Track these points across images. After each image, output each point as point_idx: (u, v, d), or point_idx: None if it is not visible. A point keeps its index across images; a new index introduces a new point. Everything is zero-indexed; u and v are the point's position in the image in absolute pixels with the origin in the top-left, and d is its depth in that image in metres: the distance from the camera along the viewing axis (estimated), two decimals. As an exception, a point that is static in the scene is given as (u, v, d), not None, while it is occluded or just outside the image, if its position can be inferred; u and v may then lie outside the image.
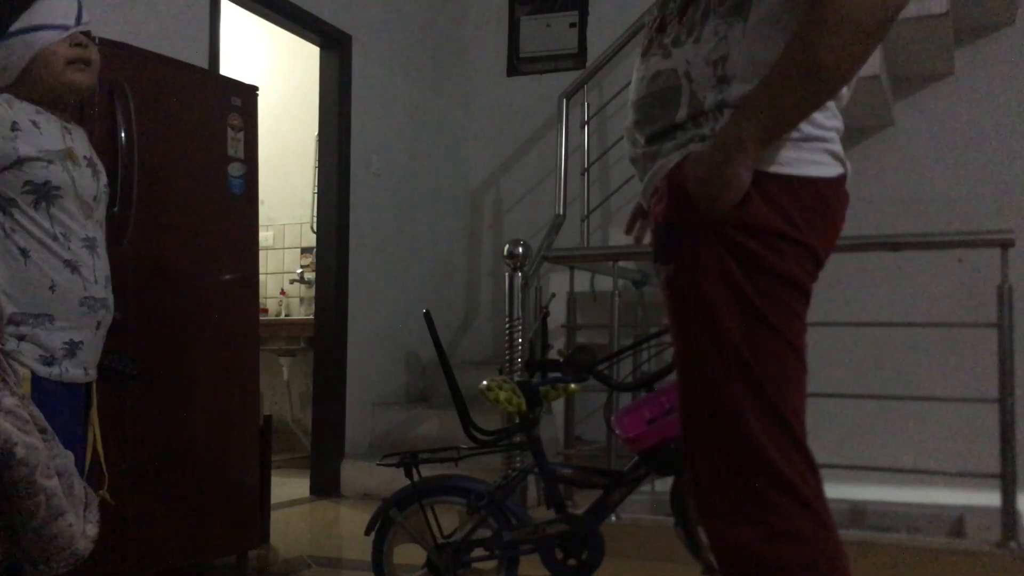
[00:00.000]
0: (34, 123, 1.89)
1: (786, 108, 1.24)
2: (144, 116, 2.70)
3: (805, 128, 1.29)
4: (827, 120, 1.32)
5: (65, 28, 1.91)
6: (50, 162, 1.89)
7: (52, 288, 1.86)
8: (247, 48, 5.86)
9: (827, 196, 1.32)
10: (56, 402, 1.88)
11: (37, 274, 1.85)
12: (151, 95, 2.77)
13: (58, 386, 1.89)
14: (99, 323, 1.97)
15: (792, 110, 1.24)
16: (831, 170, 1.32)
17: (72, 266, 1.90)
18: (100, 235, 2.01)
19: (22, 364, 1.82)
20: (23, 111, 1.89)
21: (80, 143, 2.00)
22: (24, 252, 1.85)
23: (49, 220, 1.89)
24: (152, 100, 2.78)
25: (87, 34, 1.97)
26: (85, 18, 1.96)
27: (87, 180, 1.98)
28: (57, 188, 1.90)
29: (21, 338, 1.83)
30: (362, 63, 4.85)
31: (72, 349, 1.90)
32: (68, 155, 1.94)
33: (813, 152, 1.30)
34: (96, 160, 2.06)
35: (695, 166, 1.28)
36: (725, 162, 1.24)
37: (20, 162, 1.85)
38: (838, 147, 1.33)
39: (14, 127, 1.86)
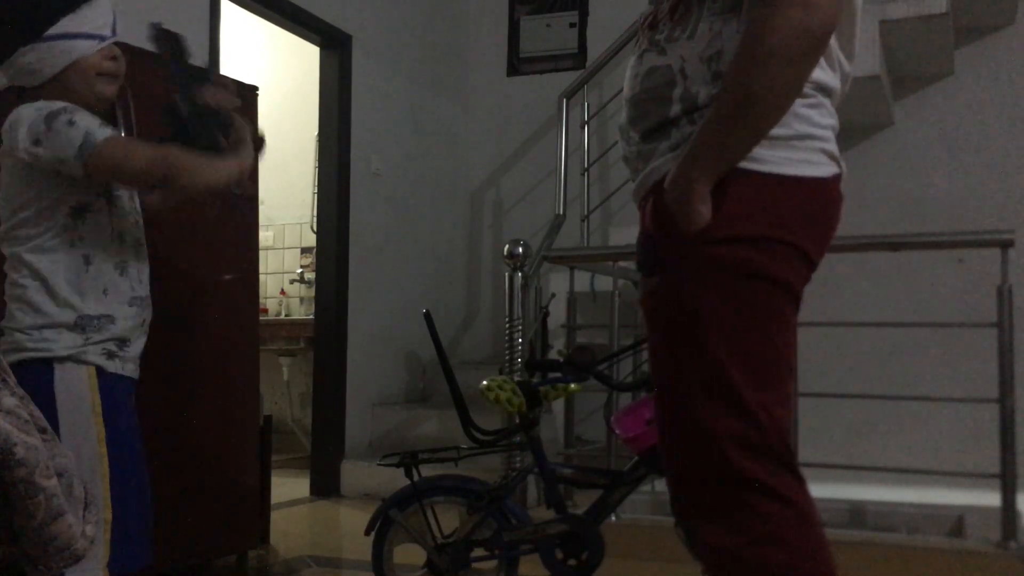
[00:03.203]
0: None
1: (728, 144, 1.24)
2: (144, 116, 2.70)
3: (798, 127, 1.28)
4: (822, 118, 1.31)
5: (102, 39, 1.92)
6: None
7: (105, 291, 1.89)
8: (247, 48, 5.86)
9: (820, 196, 1.31)
10: (123, 396, 1.92)
11: (94, 280, 1.88)
12: (151, 95, 2.77)
13: (122, 380, 1.92)
14: (144, 321, 1.99)
15: (734, 145, 1.25)
16: (825, 169, 1.31)
17: (122, 268, 1.93)
18: (143, 236, 2.04)
19: (86, 362, 1.85)
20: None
21: None
22: (87, 259, 1.87)
23: (111, 222, 1.91)
24: (152, 100, 2.77)
25: (118, 44, 1.98)
26: (119, 29, 1.97)
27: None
28: (117, 189, 1.93)
29: (86, 339, 1.86)
30: (362, 63, 4.86)
31: (122, 345, 1.93)
32: (103, 125, 1.95)
33: (806, 151, 1.29)
34: None
35: (666, 194, 1.29)
36: (682, 201, 1.25)
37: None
38: (833, 146, 1.32)
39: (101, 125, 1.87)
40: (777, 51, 1.18)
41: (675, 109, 1.33)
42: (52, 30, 1.86)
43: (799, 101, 1.27)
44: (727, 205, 1.25)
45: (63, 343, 1.84)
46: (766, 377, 1.27)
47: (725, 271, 1.26)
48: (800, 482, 1.27)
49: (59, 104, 1.84)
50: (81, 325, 1.85)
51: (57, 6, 1.87)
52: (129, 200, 1.97)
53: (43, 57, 1.86)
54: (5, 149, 1.88)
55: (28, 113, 1.83)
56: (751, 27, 1.21)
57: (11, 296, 1.88)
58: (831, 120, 1.33)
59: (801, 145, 1.28)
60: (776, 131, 1.25)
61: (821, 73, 1.29)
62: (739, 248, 1.25)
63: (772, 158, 1.27)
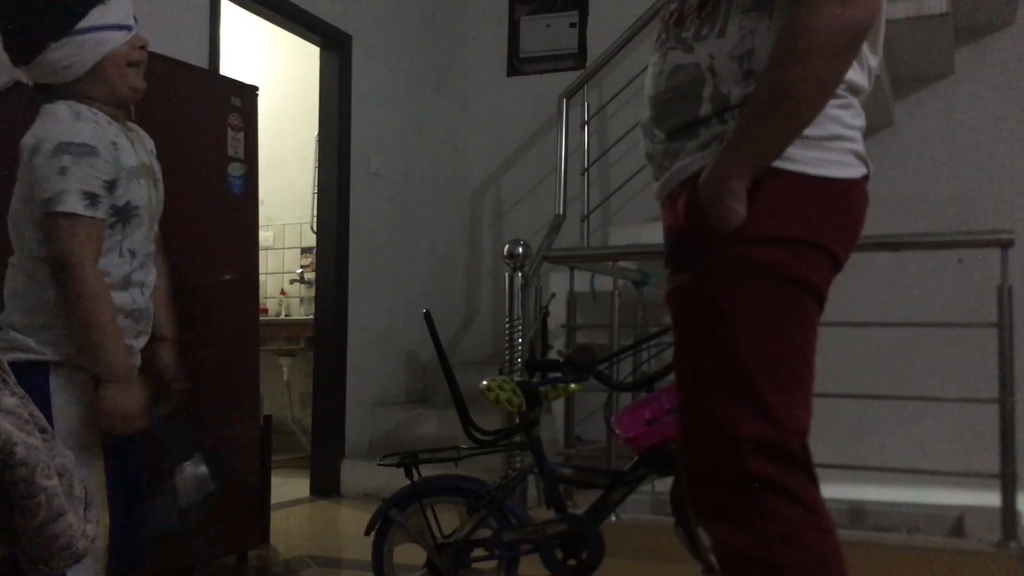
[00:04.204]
0: (113, 142, 1.84)
1: (766, 140, 1.24)
2: (144, 116, 2.70)
3: (830, 127, 1.28)
4: (852, 119, 1.31)
5: (129, 29, 1.88)
6: (130, 180, 1.86)
7: None
8: (247, 48, 5.86)
9: (849, 197, 1.31)
10: None
11: None
12: (151, 95, 2.76)
13: None
14: (139, 332, 1.97)
15: (772, 141, 1.25)
16: (855, 171, 1.31)
17: (126, 283, 1.89)
18: (154, 247, 2.00)
19: (80, 368, 1.82)
20: (101, 123, 1.83)
21: (142, 149, 1.96)
22: None
23: (121, 240, 1.87)
24: (152, 100, 2.77)
25: None
26: (138, 20, 1.94)
27: (157, 195, 1.97)
28: (136, 208, 1.87)
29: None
30: (362, 63, 4.86)
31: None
32: (144, 171, 1.91)
33: (837, 152, 1.29)
34: (156, 168, 2.02)
35: (700, 192, 1.28)
36: (717, 198, 1.25)
37: (111, 184, 1.82)
38: (861, 147, 1.33)
39: (115, 146, 1.82)
40: (816, 46, 1.18)
41: (705, 108, 1.32)
42: (82, 23, 1.80)
43: (831, 101, 1.27)
44: (761, 204, 1.25)
45: (58, 348, 1.81)
46: (790, 379, 1.27)
47: (756, 272, 1.26)
48: (814, 484, 1.27)
49: (84, 136, 1.77)
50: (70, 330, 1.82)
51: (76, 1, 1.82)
52: (147, 216, 1.92)
53: (76, 51, 1.81)
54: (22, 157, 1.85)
55: (46, 123, 1.79)
56: (790, 23, 1.21)
57: (10, 292, 1.86)
58: (860, 121, 1.33)
59: (832, 146, 1.29)
60: (809, 131, 1.25)
61: (851, 72, 1.29)
62: (771, 249, 1.25)
63: (805, 158, 1.27)
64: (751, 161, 1.24)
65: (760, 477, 1.24)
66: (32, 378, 1.78)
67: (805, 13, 1.18)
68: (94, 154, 1.78)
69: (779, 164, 1.26)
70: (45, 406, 1.77)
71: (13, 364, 1.78)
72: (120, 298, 1.88)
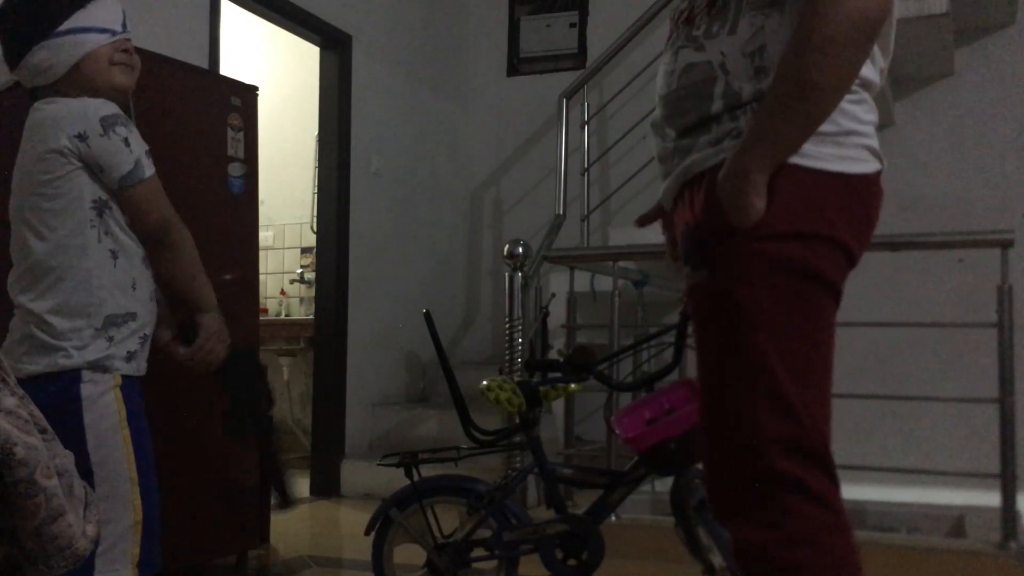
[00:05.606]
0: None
1: (785, 134, 1.24)
2: (144, 116, 2.70)
3: (844, 123, 1.28)
4: (866, 115, 1.31)
5: (113, 32, 1.92)
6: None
7: (133, 286, 1.89)
8: (247, 48, 5.86)
9: (864, 193, 1.31)
10: (138, 398, 1.90)
11: (123, 275, 1.87)
12: (151, 95, 2.77)
13: (136, 380, 1.91)
14: (158, 316, 1.99)
15: (791, 133, 1.24)
16: (869, 166, 1.31)
17: (146, 263, 1.93)
18: None
19: (109, 370, 1.83)
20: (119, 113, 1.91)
21: None
22: (114, 254, 1.86)
23: None
24: (152, 100, 2.77)
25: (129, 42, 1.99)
26: (129, 27, 1.97)
27: None
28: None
29: (110, 340, 1.84)
30: (362, 63, 4.86)
31: (144, 343, 1.92)
32: (148, 153, 1.96)
33: (852, 148, 1.29)
34: None
35: (720, 187, 1.28)
36: (737, 193, 1.25)
37: None
38: (875, 142, 1.33)
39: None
40: (835, 37, 1.18)
41: (716, 105, 1.32)
42: (62, 26, 1.86)
43: (845, 97, 1.26)
44: (778, 200, 1.25)
45: (89, 349, 1.81)
46: (811, 376, 1.27)
47: (776, 268, 1.25)
48: (835, 485, 1.28)
49: (108, 108, 1.84)
50: (106, 326, 1.83)
51: (66, 4, 1.87)
52: None
53: (55, 53, 1.86)
54: (31, 151, 1.85)
55: (70, 110, 1.83)
56: (807, 15, 1.20)
57: (38, 298, 1.84)
58: (873, 116, 1.33)
59: (847, 142, 1.28)
60: (824, 127, 1.25)
61: (864, 68, 1.29)
62: (790, 245, 1.25)
63: (820, 154, 1.26)
64: (771, 154, 1.24)
65: (783, 476, 1.24)
66: (62, 386, 1.78)
67: (822, 4, 1.18)
68: (129, 121, 1.88)
69: (795, 160, 1.25)
70: (76, 414, 1.77)
71: (45, 374, 1.79)
72: (144, 278, 1.92)
